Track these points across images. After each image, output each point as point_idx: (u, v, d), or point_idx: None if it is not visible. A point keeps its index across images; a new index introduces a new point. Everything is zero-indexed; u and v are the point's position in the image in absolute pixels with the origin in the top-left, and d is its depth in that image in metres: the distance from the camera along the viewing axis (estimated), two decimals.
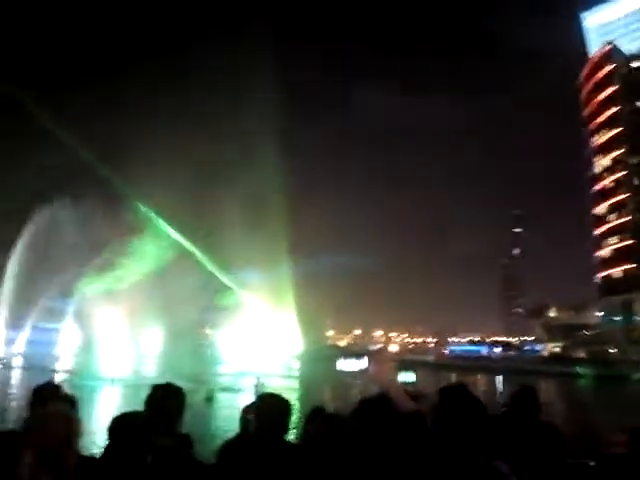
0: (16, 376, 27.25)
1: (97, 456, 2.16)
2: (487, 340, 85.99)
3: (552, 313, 68.49)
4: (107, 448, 2.10)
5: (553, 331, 63.42)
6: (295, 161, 77.27)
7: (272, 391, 2.90)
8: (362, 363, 37.49)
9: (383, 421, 2.18)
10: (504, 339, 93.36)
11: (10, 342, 40.60)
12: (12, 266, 40.37)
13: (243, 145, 50.26)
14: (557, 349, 59.68)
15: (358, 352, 49.14)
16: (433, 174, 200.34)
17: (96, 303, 33.52)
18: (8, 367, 31.33)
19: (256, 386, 20.93)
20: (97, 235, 34.11)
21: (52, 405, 2.18)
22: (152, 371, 27.80)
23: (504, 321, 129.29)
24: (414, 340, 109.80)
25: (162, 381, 2.63)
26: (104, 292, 34.45)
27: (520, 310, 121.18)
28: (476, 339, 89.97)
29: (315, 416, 2.47)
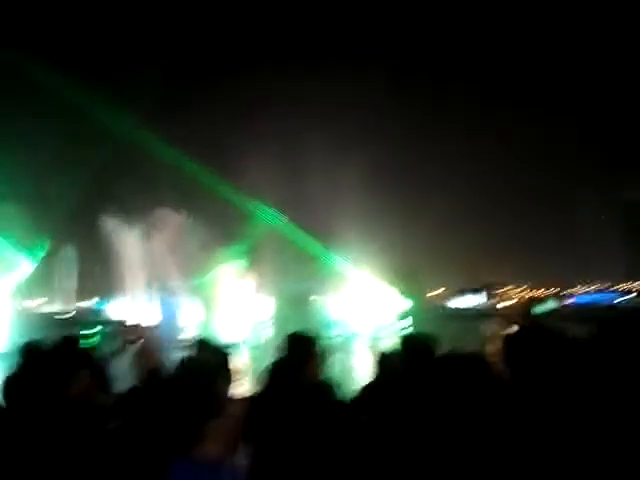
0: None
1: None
2: (615, 288, 78.25)
3: None
4: (263, 390, 2.32)
5: None
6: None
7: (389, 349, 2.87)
8: (479, 297, 35.81)
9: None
10: (636, 285, 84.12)
11: (144, 316, 45.61)
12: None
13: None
14: None
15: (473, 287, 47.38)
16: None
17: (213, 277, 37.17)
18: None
19: (370, 347, 21.26)
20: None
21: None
22: (269, 334, 29.54)
23: (631, 267, 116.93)
24: (533, 293, 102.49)
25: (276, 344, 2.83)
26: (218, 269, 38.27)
27: None
28: (603, 287, 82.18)
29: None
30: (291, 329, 3.19)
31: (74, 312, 48.30)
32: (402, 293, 45.37)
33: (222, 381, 1.64)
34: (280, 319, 34.29)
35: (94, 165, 50.32)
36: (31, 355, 3.16)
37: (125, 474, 2.01)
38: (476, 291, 40.04)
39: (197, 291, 49.16)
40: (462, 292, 42.87)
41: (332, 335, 32.34)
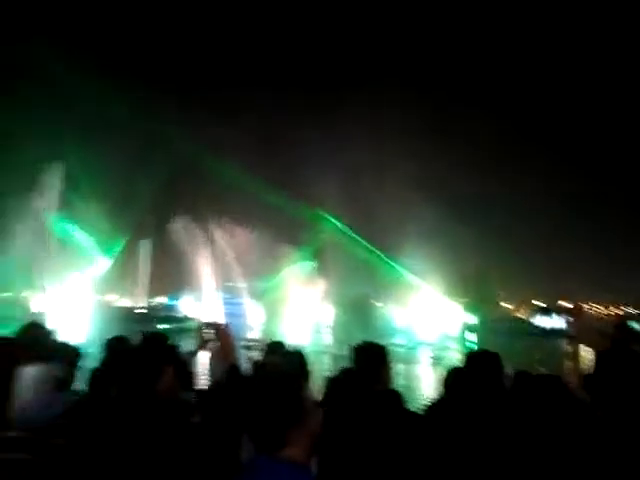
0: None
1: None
2: None
3: None
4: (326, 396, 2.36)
5: None
6: None
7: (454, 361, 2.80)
8: (558, 320, 34.17)
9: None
10: None
11: (213, 315, 47.38)
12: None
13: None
14: None
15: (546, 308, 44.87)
16: None
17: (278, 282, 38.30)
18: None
19: (433, 357, 20.68)
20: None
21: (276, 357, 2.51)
22: (329, 340, 29.67)
23: None
24: (611, 311, 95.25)
25: (338, 350, 2.86)
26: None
27: None
28: None
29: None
30: (353, 336, 3.17)
31: (150, 306, 51.16)
32: (472, 305, 43.85)
33: (308, 386, 1.63)
34: (341, 325, 34.29)
35: (169, 168, 53.18)
36: (118, 349, 3.31)
37: (205, 466, 2.05)
38: (559, 312, 37.97)
39: (261, 294, 50.67)
40: (547, 311, 40.62)
41: (396, 343, 31.97)
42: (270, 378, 1.62)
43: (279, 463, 1.42)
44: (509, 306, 77.98)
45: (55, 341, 3.41)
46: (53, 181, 27.94)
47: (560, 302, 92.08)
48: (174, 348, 2.59)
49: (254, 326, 42.57)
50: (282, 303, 37.01)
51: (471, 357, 2.69)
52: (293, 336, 29.76)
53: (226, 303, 51.96)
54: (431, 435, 2.47)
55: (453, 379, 2.74)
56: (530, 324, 37.56)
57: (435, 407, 2.70)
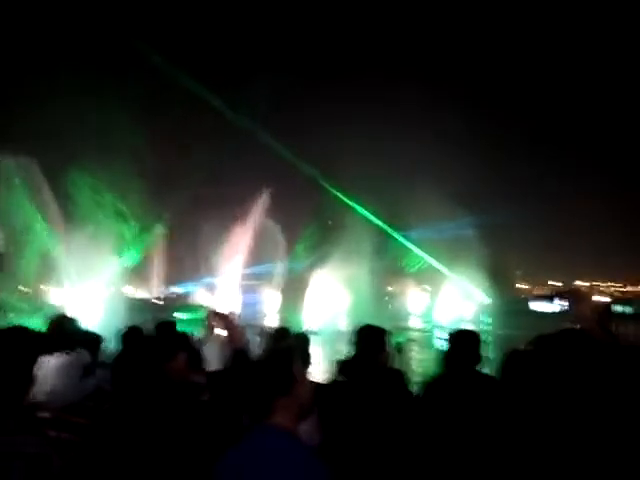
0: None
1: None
2: None
3: None
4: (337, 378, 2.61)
5: None
6: None
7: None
8: (558, 304, 34.48)
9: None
10: None
11: (229, 303, 47.99)
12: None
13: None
14: None
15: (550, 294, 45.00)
16: None
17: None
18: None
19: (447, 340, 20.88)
20: None
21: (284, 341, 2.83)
22: (345, 324, 29.97)
23: None
24: (628, 289, 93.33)
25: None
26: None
27: None
28: None
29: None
30: (367, 321, 3.33)
31: (166, 297, 51.97)
32: (487, 286, 43.73)
33: (299, 363, 1.88)
34: (356, 311, 34.58)
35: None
36: (134, 339, 3.62)
37: (211, 439, 2.32)
38: (551, 298, 37.89)
39: (278, 281, 51.04)
40: (549, 298, 40.58)
41: (410, 327, 32.20)
42: (263, 356, 1.91)
43: (267, 429, 1.67)
44: (526, 286, 77.47)
45: (80, 330, 3.73)
46: None
47: (577, 282, 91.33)
48: (185, 335, 2.86)
49: (269, 313, 43.15)
50: (299, 289, 37.42)
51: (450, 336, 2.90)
52: (308, 322, 30.21)
53: (242, 291, 52.56)
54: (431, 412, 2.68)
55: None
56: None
57: (432, 385, 2.88)
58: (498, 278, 46.19)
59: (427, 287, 48.86)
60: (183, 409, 2.37)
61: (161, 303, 46.35)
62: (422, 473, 2.53)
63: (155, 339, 3.12)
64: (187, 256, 52.27)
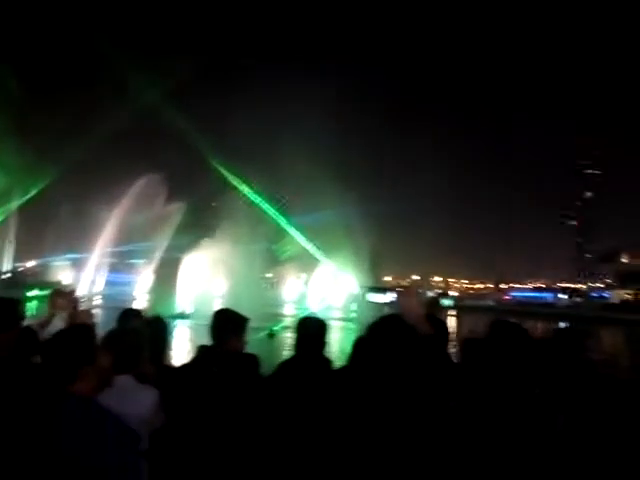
0: (97, 314, 30.13)
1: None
2: (553, 287, 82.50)
3: (624, 259, 65.28)
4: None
5: (624, 278, 60.66)
6: None
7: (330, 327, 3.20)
8: (390, 296, 39.68)
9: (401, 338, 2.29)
10: (572, 286, 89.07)
11: (92, 283, 44.34)
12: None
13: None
14: (628, 296, 57.03)
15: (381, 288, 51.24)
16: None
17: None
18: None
19: None
20: None
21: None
22: (217, 309, 29.60)
23: (573, 267, 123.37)
24: (474, 286, 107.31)
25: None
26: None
27: (590, 256, 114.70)
28: (542, 286, 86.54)
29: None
30: (241, 307, 3.39)
31: (15, 272, 46.30)
32: (358, 278, 46.08)
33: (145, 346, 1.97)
34: (232, 295, 34.24)
35: None
36: None
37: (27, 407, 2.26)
38: (384, 290, 44.18)
39: (151, 261, 48.34)
40: (382, 290, 46.77)
41: (285, 314, 32.82)
42: (68, 330, 2.15)
43: (69, 395, 1.84)
44: (390, 278, 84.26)
45: None
46: None
47: (434, 277, 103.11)
48: (18, 315, 2.68)
49: (137, 295, 40.83)
50: (173, 271, 35.78)
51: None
52: (179, 305, 29.20)
53: (110, 270, 48.80)
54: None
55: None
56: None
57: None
58: (369, 269, 49.02)
59: (302, 275, 49.98)
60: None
61: (7, 277, 41.27)
62: (270, 451, 2.68)
63: None
64: (48, 230, 47.33)
